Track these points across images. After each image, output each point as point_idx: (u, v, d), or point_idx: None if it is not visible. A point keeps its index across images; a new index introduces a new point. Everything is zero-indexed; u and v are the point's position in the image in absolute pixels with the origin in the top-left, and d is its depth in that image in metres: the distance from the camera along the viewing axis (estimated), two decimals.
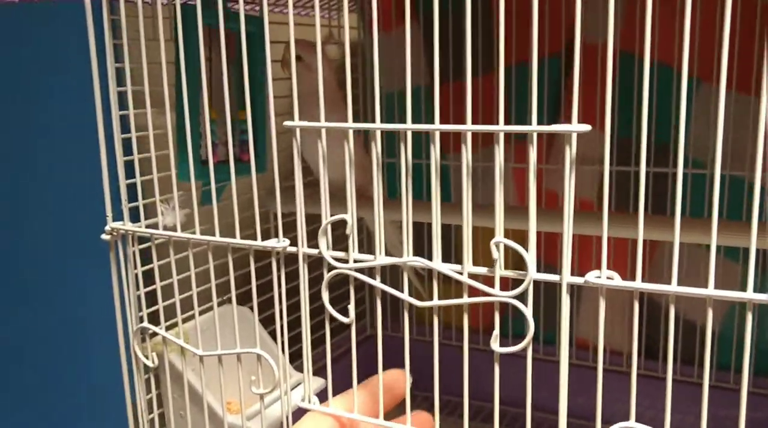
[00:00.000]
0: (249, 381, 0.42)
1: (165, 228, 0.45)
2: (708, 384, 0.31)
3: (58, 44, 0.62)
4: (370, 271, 0.37)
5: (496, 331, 0.34)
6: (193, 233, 0.44)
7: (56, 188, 0.67)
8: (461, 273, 0.34)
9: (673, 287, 0.31)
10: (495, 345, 0.34)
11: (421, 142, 0.76)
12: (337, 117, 0.38)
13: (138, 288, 0.48)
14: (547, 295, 0.76)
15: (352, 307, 0.37)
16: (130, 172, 0.47)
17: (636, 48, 0.67)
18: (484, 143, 0.75)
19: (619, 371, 0.72)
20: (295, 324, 0.42)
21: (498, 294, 0.34)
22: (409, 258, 0.36)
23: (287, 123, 0.38)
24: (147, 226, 0.46)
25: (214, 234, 0.42)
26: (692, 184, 0.67)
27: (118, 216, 0.46)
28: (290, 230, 0.41)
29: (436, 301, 0.36)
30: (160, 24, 0.42)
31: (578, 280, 0.33)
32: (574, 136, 0.31)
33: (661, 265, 0.73)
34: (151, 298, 0.50)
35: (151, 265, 0.47)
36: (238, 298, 0.44)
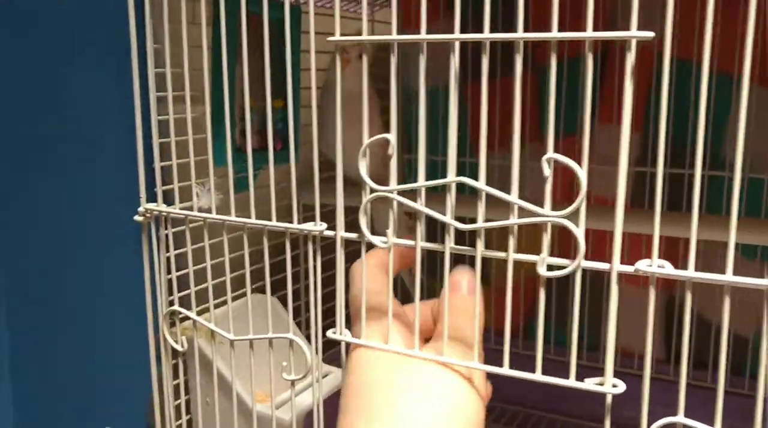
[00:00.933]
0: (280, 368, 0.41)
1: (200, 210, 0.45)
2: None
3: (97, 22, 0.62)
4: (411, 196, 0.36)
5: (544, 254, 0.33)
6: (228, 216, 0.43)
7: (91, 169, 0.67)
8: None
9: (728, 276, 0.30)
10: (542, 269, 0.33)
11: (465, 139, 0.76)
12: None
13: (169, 272, 0.47)
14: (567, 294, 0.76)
15: (391, 231, 0.36)
16: (165, 155, 0.47)
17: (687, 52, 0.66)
18: (531, 138, 0.74)
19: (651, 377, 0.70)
20: (323, 315, 0.42)
21: (549, 214, 0.33)
22: (455, 177, 0.35)
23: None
24: (181, 209, 0.46)
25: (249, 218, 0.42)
26: (729, 186, 0.66)
27: (151, 198, 0.46)
28: (324, 220, 0.40)
29: (481, 223, 0.35)
30: (203, 7, 0.41)
31: (628, 269, 0.32)
32: (634, 43, 0.30)
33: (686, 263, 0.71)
34: (182, 284, 0.49)
35: (184, 249, 0.46)
36: (265, 288, 0.44)
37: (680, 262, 0.32)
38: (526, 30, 0.33)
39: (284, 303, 0.54)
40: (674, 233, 0.52)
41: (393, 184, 0.37)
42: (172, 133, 0.44)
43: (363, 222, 0.38)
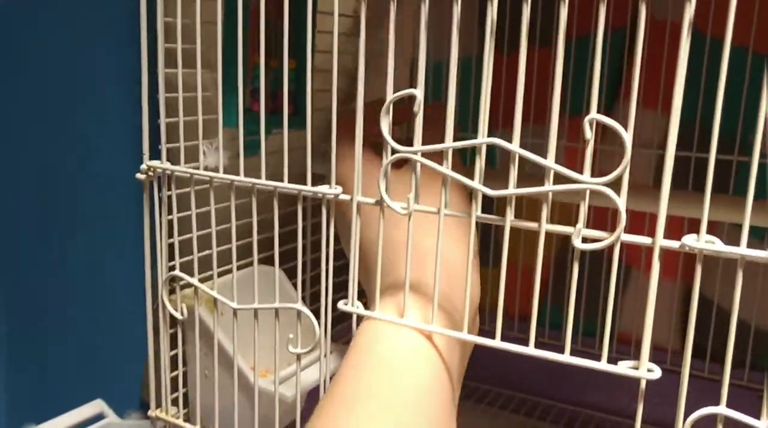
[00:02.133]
0: (285, 342, 0.39)
1: (206, 169, 0.42)
2: None
3: None
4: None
5: (580, 225, 0.30)
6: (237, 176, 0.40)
7: (93, 122, 0.64)
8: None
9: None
10: (577, 241, 0.30)
11: (498, 113, 0.73)
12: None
13: (171, 236, 0.45)
14: (590, 285, 0.74)
15: (413, 195, 0.34)
16: (172, 111, 0.44)
17: (708, 27, 0.63)
18: (536, 119, 0.71)
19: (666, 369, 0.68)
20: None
21: (587, 181, 0.30)
22: (483, 138, 0.32)
23: None
24: (187, 168, 0.43)
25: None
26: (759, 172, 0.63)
27: (155, 156, 0.43)
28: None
29: (512, 189, 0.32)
30: None
31: (673, 244, 0.30)
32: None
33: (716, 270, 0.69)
34: (184, 249, 0.47)
35: (188, 212, 0.44)
36: (271, 259, 0.41)
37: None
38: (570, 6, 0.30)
39: (291, 276, 0.52)
40: (712, 216, 0.50)
41: (417, 144, 0.34)
42: (180, 89, 0.41)
43: (383, 185, 0.35)
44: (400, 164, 0.37)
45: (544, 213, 0.32)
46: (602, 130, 0.72)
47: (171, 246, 0.46)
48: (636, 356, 0.32)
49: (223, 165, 0.41)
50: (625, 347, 0.72)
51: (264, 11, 0.38)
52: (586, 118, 0.30)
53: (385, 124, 0.34)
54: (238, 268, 0.42)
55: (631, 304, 0.74)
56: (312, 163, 0.54)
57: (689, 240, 0.29)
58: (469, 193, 0.34)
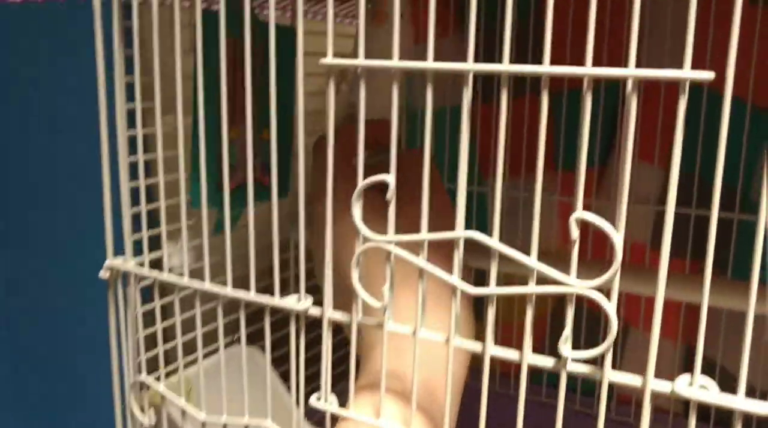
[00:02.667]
0: None
1: (171, 270, 0.40)
2: None
3: (63, 52, 0.57)
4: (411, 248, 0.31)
5: (567, 331, 0.28)
6: (203, 280, 0.38)
7: (62, 215, 0.61)
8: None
9: None
10: (565, 348, 0.28)
11: (474, 165, 0.71)
12: None
13: (137, 332, 0.42)
14: (588, 343, 0.70)
15: (387, 288, 0.31)
16: (135, 199, 0.41)
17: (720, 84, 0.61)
18: (528, 169, 0.69)
19: None
20: (311, 379, 0.37)
21: (574, 284, 0.27)
22: (462, 231, 0.30)
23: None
24: (152, 264, 0.40)
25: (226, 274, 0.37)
26: (752, 228, 0.60)
27: (120, 249, 0.41)
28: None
29: (493, 288, 0.29)
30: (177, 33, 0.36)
31: (664, 387, 0.27)
32: (687, 85, 0.25)
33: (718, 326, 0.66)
34: (151, 341, 0.44)
35: (152, 304, 0.41)
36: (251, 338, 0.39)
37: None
38: (548, 57, 0.28)
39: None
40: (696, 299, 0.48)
41: (391, 232, 0.32)
42: (141, 175, 0.39)
43: (355, 276, 0.32)
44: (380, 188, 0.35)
45: (529, 314, 0.30)
46: (597, 181, 0.70)
47: (139, 341, 0.43)
48: (636, 416, 0.29)
49: (189, 265, 0.39)
50: (625, 407, 0.69)
51: (229, 83, 0.36)
52: (572, 217, 0.28)
53: (357, 211, 0.32)
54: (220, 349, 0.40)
55: (630, 364, 0.71)
56: (289, 230, 0.52)
57: (681, 384, 0.27)
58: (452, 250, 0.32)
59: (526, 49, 0.65)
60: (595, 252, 0.63)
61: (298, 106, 0.33)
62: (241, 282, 0.37)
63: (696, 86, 0.64)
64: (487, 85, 0.66)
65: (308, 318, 0.35)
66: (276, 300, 0.35)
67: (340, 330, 0.38)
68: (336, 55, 0.32)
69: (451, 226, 0.32)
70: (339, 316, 0.34)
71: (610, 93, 0.66)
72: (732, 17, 0.23)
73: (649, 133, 0.64)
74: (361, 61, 0.31)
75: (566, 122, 0.66)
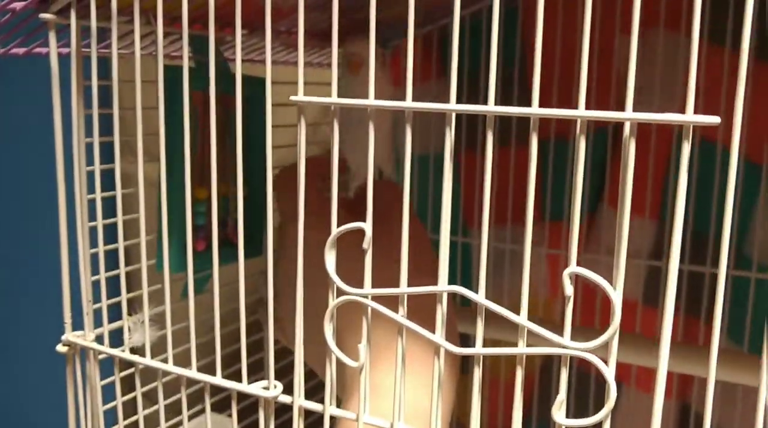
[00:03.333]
0: None
1: (132, 350, 0.37)
2: None
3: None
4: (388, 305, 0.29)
5: (561, 396, 0.26)
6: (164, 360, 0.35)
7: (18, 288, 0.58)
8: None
9: None
10: (559, 415, 0.26)
11: (458, 215, 0.69)
12: None
13: (97, 406, 0.39)
14: (577, 403, 0.68)
15: (364, 344, 0.29)
16: (95, 266, 0.38)
17: (712, 133, 0.60)
18: (514, 219, 0.66)
19: None
20: None
21: (569, 346, 0.25)
22: (445, 286, 0.28)
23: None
24: (114, 334, 0.38)
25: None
26: (756, 289, 0.58)
27: (79, 322, 0.38)
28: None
29: (479, 348, 0.27)
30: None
31: None
32: (690, 130, 0.23)
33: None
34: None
35: (112, 378, 0.38)
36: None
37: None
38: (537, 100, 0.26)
39: None
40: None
41: (367, 286, 0.29)
42: (101, 242, 0.37)
43: (329, 333, 0.30)
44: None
45: (519, 376, 0.27)
46: (587, 233, 0.68)
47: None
48: None
49: (151, 341, 0.36)
50: None
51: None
52: (566, 272, 0.26)
53: (331, 261, 0.30)
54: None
55: (622, 423, 0.68)
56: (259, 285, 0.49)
57: None
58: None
59: (511, 97, 0.63)
60: (584, 310, 0.60)
61: (267, 158, 0.31)
62: (210, 351, 0.34)
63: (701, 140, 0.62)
64: (471, 132, 0.64)
65: (278, 403, 0.32)
66: (243, 386, 0.33)
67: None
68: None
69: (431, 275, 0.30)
70: (311, 405, 0.31)
71: (597, 141, 0.64)
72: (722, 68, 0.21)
73: (639, 184, 0.62)
74: (334, 99, 0.29)
75: (553, 171, 0.64)
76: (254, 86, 0.46)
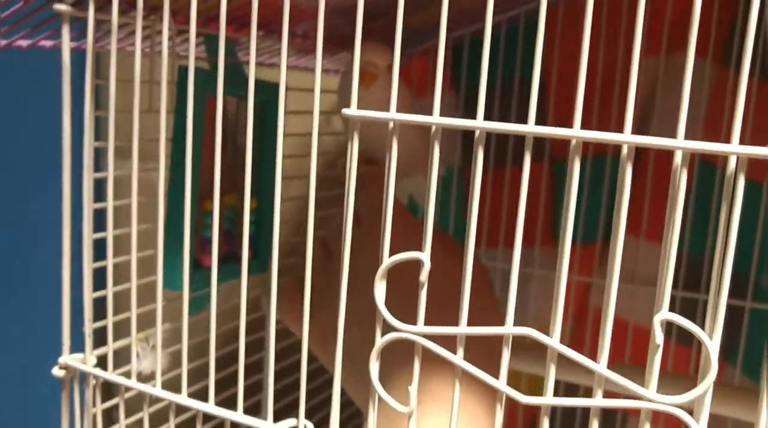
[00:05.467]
0: None
1: (140, 377, 0.34)
2: None
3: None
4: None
5: None
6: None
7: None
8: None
9: None
10: None
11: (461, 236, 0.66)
12: None
13: None
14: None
15: (414, 388, 0.27)
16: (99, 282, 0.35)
17: (719, 159, 0.58)
18: (543, 242, 0.63)
19: None
20: None
21: (656, 399, 0.23)
22: (511, 327, 0.25)
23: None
24: (116, 367, 0.34)
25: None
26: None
27: (78, 344, 0.34)
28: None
29: (550, 398, 0.25)
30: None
31: None
32: (733, 160, 0.23)
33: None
34: None
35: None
36: None
37: None
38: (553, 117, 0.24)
39: None
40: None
41: (420, 323, 0.27)
42: (110, 253, 0.33)
43: (374, 371, 0.27)
44: None
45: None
46: (599, 258, 0.66)
47: None
48: None
49: (163, 367, 0.33)
50: None
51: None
52: (657, 317, 0.23)
53: (380, 293, 0.27)
54: None
55: None
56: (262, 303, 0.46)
57: None
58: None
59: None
60: (593, 343, 0.58)
61: (277, 167, 0.28)
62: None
63: (709, 166, 0.61)
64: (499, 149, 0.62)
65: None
66: (237, 416, 0.30)
67: None
68: None
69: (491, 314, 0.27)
70: None
71: (615, 163, 0.62)
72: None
73: (637, 204, 0.59)
74: (393, 114, 0.26)
75: (588, 191, 0.62)
76: (267, 91, 0.44)
